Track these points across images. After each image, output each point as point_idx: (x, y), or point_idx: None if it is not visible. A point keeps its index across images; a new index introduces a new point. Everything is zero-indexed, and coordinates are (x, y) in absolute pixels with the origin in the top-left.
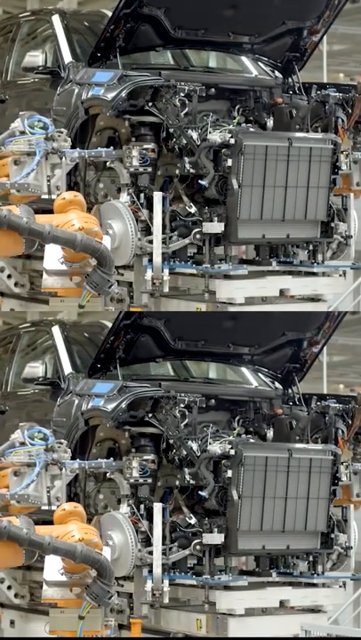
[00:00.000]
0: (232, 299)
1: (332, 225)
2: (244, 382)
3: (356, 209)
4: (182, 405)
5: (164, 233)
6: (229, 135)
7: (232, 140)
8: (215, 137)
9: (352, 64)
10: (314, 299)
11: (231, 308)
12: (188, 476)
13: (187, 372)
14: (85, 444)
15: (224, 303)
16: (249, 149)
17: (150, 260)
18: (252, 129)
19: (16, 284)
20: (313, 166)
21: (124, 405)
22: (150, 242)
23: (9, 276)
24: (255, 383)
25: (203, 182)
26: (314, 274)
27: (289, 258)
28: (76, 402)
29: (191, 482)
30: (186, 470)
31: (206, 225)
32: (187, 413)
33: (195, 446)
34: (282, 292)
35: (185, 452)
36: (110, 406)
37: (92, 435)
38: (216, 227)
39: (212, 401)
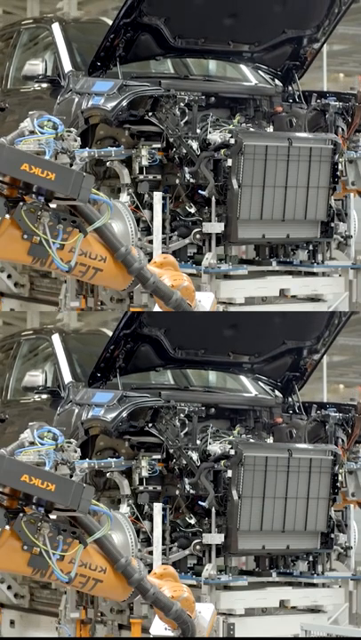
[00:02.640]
0: (232, 299)
1: (332, 225)
2: (243, 391)
3: (356, 209)
4: (182, 415)
5: (164, 233)
6: (229, 135)
7: (232, 140)
8: (215, 137)
9: (352, 64)
10: (314, 299)
11: (231, 308)
12: (188, 486)
13: (187, 380)
14: (85, 454)
15: (224, 303)
16: (249, 149)
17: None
18: (252, 129)
19: (16, 284)
20: (313, 166)
21: (124, 415)
22: (150, 242)
23: (9, 276)
24: (255, 392)
25: (203, 193)
26: (314, 274)
27: (289, 258)
28: (76, 411)
29: (191, 491)
30: (186, 480)
31: (206, 225)
32: (187, 422)
33: (195, 456)
34: (282, 291)
35: (185, 462)
36: (110, 416)
37: (92, 444)
38: (216, 227)
39: (213, 409)
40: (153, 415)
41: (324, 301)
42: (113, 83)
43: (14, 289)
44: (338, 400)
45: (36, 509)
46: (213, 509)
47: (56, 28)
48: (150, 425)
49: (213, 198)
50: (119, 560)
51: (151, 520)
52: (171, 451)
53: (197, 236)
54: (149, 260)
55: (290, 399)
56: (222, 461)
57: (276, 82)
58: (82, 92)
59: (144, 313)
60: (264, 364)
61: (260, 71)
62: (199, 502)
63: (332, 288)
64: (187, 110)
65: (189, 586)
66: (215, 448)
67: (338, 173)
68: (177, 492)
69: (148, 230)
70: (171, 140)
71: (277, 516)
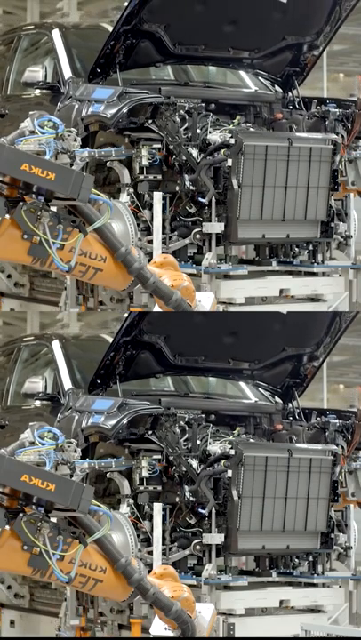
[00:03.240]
0: (232, 299)
1: (332, 225)
2: (243, 397)
3: (356, 209)
4: (182, 422)
5: (164, 233)
6: (229, 135)
7: (232, 140)
8: (215, 137)
9: (352, 64)
10: (314, 299)
11: (231, 308)
12: (187, 494)
13: (187, 386)
14: None
15: (224, 303)
16: (249, 149)
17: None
18: (252, 129)
19: (16, 284)
20: (313, 166)
21: (124, 422)
22: (150, 242)
23: (9, 276)
24: (255, 398)
25: (203, 200)
26: (314, 274)
27: (289, 258)
28: (76, 418)
29: (191, 499)
30: (186, 487)
31: (206, 225)
32: (187, 429)
33: (195, 463)
34: (282, 291)
35: (185, 469)
36: (110, 423)
37: (92, 451)
38: (216, 227)
39: (212, 416)
40: (153, 422)
41: (325, 301)
42: (113, 90)
43: (14, 289)
44: (338, 400)
45: (36, 509)
46: (213, 509)
47: (56, 34)
48: (150, 432)
49: (213, 198)
50: (119, 560)
51: (151, 520)
52: (171, 458)
53: (197, 236)
54: (149, 260)
55: (290, 405)
56: (222, 461)
57: (276, 88)
58: (82, 99)
59: (144, 320)
60: (264, 371)
61: (260, 78)
62: (200, 510)
63: (332, 288)
64: (187, 117)
65: (189, 586)
66: (215, 448)
67: (338, 176)
68: (177, 500)
69: (148, 230)
70: (171, 147)
71: (277, 516)
